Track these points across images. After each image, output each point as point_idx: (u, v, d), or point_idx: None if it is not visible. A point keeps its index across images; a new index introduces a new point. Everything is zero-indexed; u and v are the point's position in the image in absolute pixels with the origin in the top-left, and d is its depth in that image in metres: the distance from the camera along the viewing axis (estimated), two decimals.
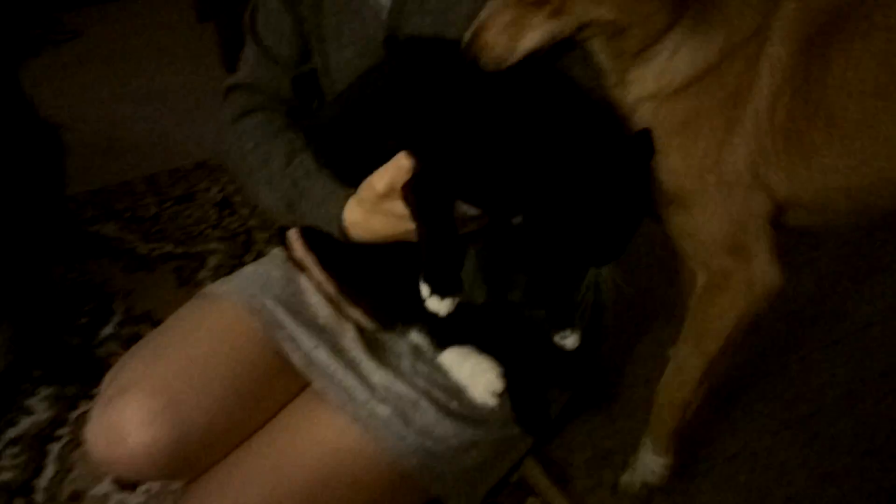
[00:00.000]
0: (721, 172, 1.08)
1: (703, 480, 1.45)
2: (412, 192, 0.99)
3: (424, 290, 0.97)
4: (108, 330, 1.86)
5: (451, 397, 1.21)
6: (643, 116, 1.08)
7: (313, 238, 1.23)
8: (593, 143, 0.98)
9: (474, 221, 1.05)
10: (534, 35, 1.00)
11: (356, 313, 1.25)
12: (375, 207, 1.05)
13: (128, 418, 1.09)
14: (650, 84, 1.06)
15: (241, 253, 2.10)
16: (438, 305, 0.96)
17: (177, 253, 2.12)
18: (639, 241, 1.05)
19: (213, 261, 2.08)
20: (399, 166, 0.99)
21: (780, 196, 1.12)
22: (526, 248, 1.09)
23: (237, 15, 2.98)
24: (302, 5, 1.24)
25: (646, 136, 1.03)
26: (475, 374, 1.15)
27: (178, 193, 2.37)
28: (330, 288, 1.25)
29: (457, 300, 0.97)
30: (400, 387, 1.20)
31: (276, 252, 1.35)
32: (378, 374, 1.20)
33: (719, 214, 1.10)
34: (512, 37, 1.00)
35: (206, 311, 1.22)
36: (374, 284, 1.20)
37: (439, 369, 1.21)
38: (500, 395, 1.15)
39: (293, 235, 1.26)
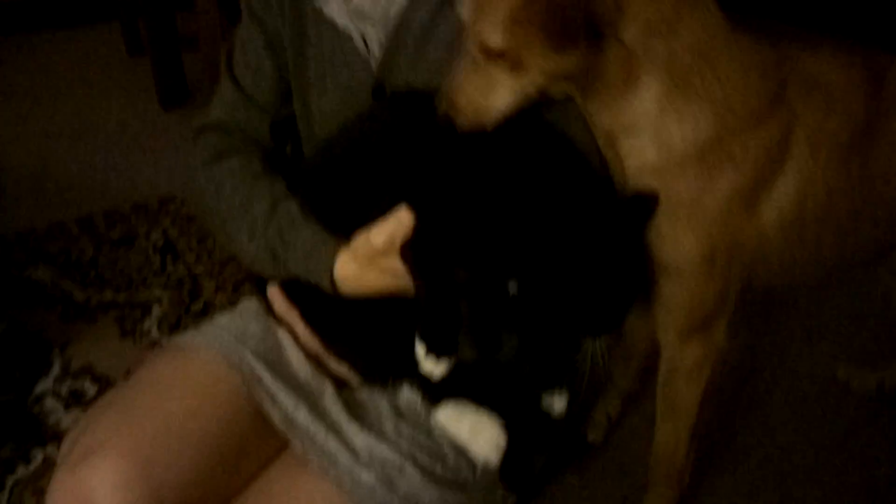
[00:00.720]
0: (715, 255, 1.08)
1: None
2: (412, 250, 0.95)
3: (420, 350, 0.94)
4: (45, 385, 1.75)
5: (435, 461, 1.16)
6: (644, 187, 1.07)
7: (295, 291, 1.17)
8: (590, 206, 0.97)
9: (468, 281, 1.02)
10: (503, 93, 0.99)
11: (342, 369, 1.19)
12: (371, 262, 1.01)
13: (98, 483, 0.99)
14: (650, 154, 1.04)
15: (187, 301, 2.01)
16: (434, 367, 0.94)
17: (118, 301, 2.00)
18: None
19: (157, 310, 1.98)
20: (400, 222, 0.95)
21: (760, 272, 1.14)
22: (520, 311, 1.06)
23: (171, 49, 2.95)
24: (284, 49, 1.20)
25: (643, 199, 1.03)
26: (476, 431, 1.10)
27: (117, 236, 2.26)
28: (313, 344, 1.18)
29: (452, 361, 0.94)
30: (384, 451, 1.14)
31: (248, 303, 1.28)
32: (360, 437, 1.14)
33: (702, 292, 1.11)
34: (483, 97, 0.99)
35: (181, 365, 1.14)
36: (361, 339, 1.15)
37: (423, 430, 1.16)
38: (503, 451, 1.10)
39: (274, 289, 1.20)
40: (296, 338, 1.20)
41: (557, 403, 1.11)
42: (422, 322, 0.95)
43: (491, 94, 0.99)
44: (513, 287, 1.00)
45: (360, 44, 1.16)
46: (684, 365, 1.21)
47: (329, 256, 1.05)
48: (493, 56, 0.97)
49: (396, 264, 0.97)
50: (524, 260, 0.96)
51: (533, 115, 1.06)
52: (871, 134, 1.09)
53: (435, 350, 0.93)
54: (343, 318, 1.14)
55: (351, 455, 1.11)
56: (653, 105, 1.00)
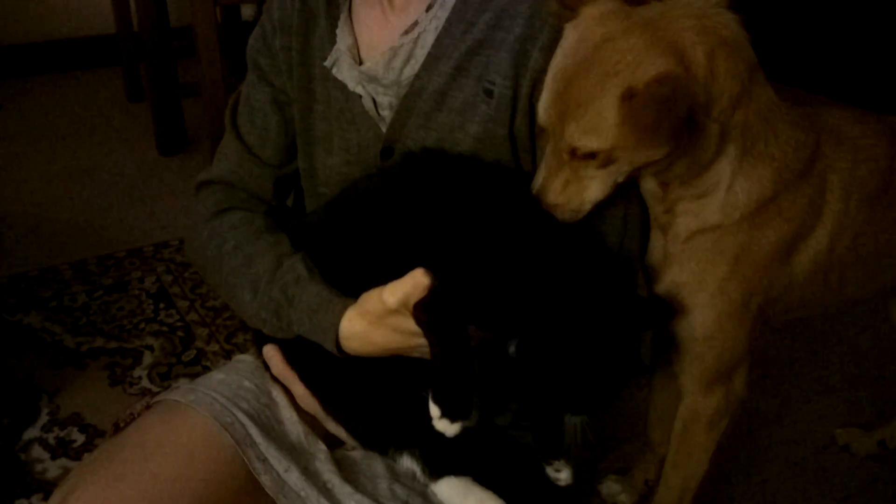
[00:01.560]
0: (750, 302, 1.11)
1: None
2: (425, 311, 0.94)
3: (435, 411, 0.92)
4: (32, 432, 1.72)
5: None
6: (698, 247, 1.10)
7: (293, 352, 1.14)
8: (604, 291, 0.99)
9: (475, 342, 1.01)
10: (594, 188, 1.03)
11: (341, 432, 1.17)
12: (381, 321, 1.00)
13: None
14: (714, 216, 1.08)
15: (179, 350, 1.98)
16: (448, 428, 0.92)
17: (109, 348, 1.98)
18: None
19: (148, 358, 1.95)
20: (416, 283, 0.94)
21: (778, 309, 1.18)
22: (517, 374, 1.05)
23: (171, 96, 2.96)
24: (291, 108, 1.20)
25: (661, 305, 1.08)
26: None
27: (109, 282, 2.24)
28: (312, 406, 1.16)
29: (467, 424, 0.92)
30: None
31: (243, 358, 1.26)
32: (353, 500, 1.11)
33: (733, 339, 1.14)
34: (576, 193, 1.04)
35: (171, 424, 1.11)
36: (361, 405, 1.13)
37: (418, 493, 1.13)
38: None
39: (271, 350, 1.17)
40: (291, 397, 1.18)
41: (564, 472, 1.09)
42: (436, 383, 0.94)
43: (582, 191, 1.03)
44: (512, 348, 0.99)
45: (369, 105, 1.16)
46: (705, 413, 1.22)
47: (336, 314, 1.03)
48: (584, 156, 1.00)
49: (407, 324, 0.96)
50: (528, 323, 0.95)
51: None
52: (893, 180, 1.17)
53: (449, 413, 0.92)
54: (343, 382, 1.12)
55: None
56: (727, 171, 1.05)
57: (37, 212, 2.59)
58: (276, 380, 1.18)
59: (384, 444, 1.14)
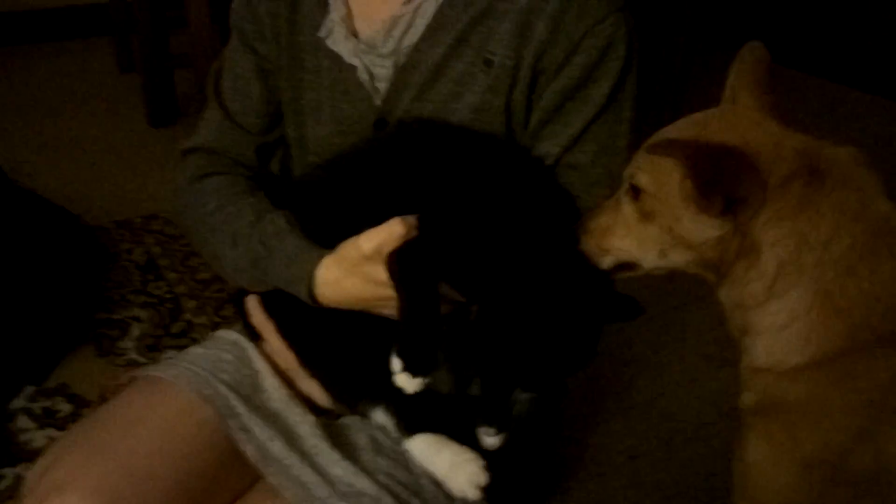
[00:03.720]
0: (814, 466, 0.95)
1: None
2: (398, 261, 0.94)
3: (396, 364, 0.93)
4: (18, 402, 1.72)
5: (412, 494, 1.13)
6: (753, 392, 0.99)
7: (273, 305, 1.15)
8: (577, 277, 0.99)
9: (447, 303, 1.01)
10: (630, 237, 0.98)
11: (313, 388, 1.17)
12: (354, 268, 1.00)
13: None
14: (762, 357, 0.96)
15: (167, 322, 1.98)
16: (408, 383, 0.93)
17: (96, 319, 1.97)
18: None
19: (136, 330, 1.95)
20: (391, 231, 0.94)
21: None
22: (474, 341, 1.05)
23: (162, 67, 2.94)
24: (276, 75, 1.19)
25: (632, 302, 1.03)
26: (455, 465, 1.07)
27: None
28: (287, 359, 1.16)
29: (427, 380, 0.93)
30: (362, 481, 1.11)
31: (222, 334, 1.26)
32: (339, 467, 1.11)
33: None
34: (610, 232, 1.00)
35: (152, 398, 1.11)
36: (337, 357, 1.13)
37: (401, 464, 1.14)
38: (482, 489, 1.08)
39: (252, 300, 1.18)
40: (273, 363, 1.19)
41: (492, 439, 1.06)
42: (400, 337, 0.94)
43: (616, 235, 1.00)
44: (473, 312, 0.99)
45: (364, 76, 1.15)
46: None
47: (310, 262, 1.03)
48: (633, 196, 0.97)
49: (380, 273, 0.96)
50: (494, 292, 0.95)
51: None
52: None
53: (410, 367, 0.92)
54: (319, 335, 1.12)
55: (328, 485, 1.09)
56: (784, 315, 0.92)
57: (25, 182, 2.56)
58: (256, 343, 1.19)
59: (357, 396, 1.14)
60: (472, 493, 1.08)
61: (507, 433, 1.06)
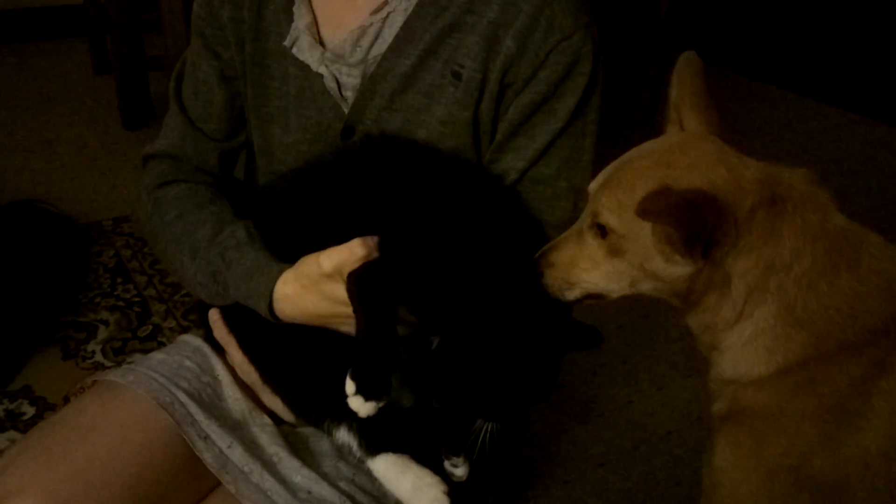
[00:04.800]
0: (776, 477, 0.97)
1: None
2: (357, 283, 0.94)
3: (350, 387, 0.92)
4: None
5: (374, 501, 1.13)
6: (722, 401, 1.01)
7: (235, 320, 1.15)
8: (538, 308, 0.99)
9: (405, 327, 1.01)
10: (597, 273, 0.98)
11: (276, 403, 1.16)
12: (313, 285, 0.99)
13: None
14: (728, 370, 0.99)
15: (135, 326, 1.97)
16: (361, 406, 0.92)
17: (62, 321, 1.95)
18: None
19: (103, 333, 1.94)
20: (352, 252, 0.93)
21: None
22: (435, 369, 1.05)
23: (136, 69, 2.92)
24: (240, 82, 1.18)
25: (592, 331, 1.02)
26: (418, 489, 1.07)
27: None
28: (249, 374, 1.16)
29: (380, 405, 0.92)
30: (323, 489, 1.11)
31: (185, 339, 1.25)
32: (300, 474, 1.11)
33: None
34: (575, 266, 0.99)
35: (108, 404, 1.10)
36: (299, 375, 1.12)
37: (363, 472, 1.13)
38: None
39: (214, 315, 1.17)
40: (234, 373, 1.18)
41: (460, 469, 1.08)
42: (355, 360, 0.93)
43: (583, 269, 0.98)
44: (434, 343, 0.99)
45: (332, 85, 1.15)
46: None
47: (270, 277, 1.03)
48: (599, 233, 0.96)
49: (339, 291, 0.96)
50: (456, 320, 0.95)
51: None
52: None
53: (363, 391, 0.92)
54: (281, 352, 1.11)
55: (288, 492, 1.08)
56: (749, 331, 0.96)
57: None
58: (219, 351, 1.18)
59: (320, 415, 1.13)
60: None
61: (470, 462, 1.07)
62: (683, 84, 1.02)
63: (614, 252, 0.96)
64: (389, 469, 1.08)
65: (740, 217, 0.91)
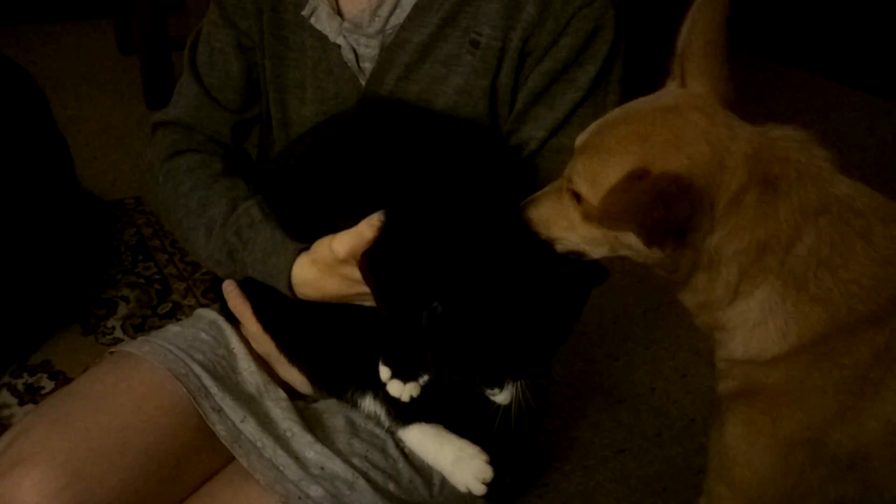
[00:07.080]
0: (791, 451, 0.95)
1: None
2: (370, 267, 0.93)
3: (384, 373, 0.92)
4: (1, 378, 1.71)
5: (388, 479, 1.12)
6: (732, 379, 0.97)
7: (252, 289, 1.13)
8: (535, 257, 0.96)
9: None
10: (574, 234, 0.94)
11: (293, 375, 1.15)
12: (332, 270, 0.99)
13: (25, 493, 0.96)
14: (738, 350, 0.94)
15: (155, 303, 1.97)
16: (401, 390, 0.92)
17: (84, 297, 1.96)
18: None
19: (123, 309, 1.94)
20: (361, 235, 0.93)
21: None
22: (437, 334, 1.01)
23: (160, 49, 2.92)
24: (257, 53, 1.17)
25: (600, 269, 0.99)
26: (460, 460, 1.06)
27: None
28: (265, 344, 1.15)
29: (421, 383, 0.91)
30: (336, 465, 1.10)
31: (201, 312, 1.25)
32: (313, 450, 1.10)
33: (767, 490, 0.98)
34: (555, 224, 0.96)
35: (122, 374, 1.10)
36: (321, 345, 1.11)
37: (377, 447, 1.12)
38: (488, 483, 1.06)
39: (229, 286, 1.16)
40: (249, 347, 1.17)
41: (501, 395, 1.03)
42: (385, 342, 0.92)
43: (561, 228, 0.95)
44: (438, 309, 0.96)
45: (349, 56, 1.13)
46: None
47: (288, 258, 1.02)
48: (574, 196, 0.92)
49: (358, 273, 0.95)
50: (454, 286, 0.93)
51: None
52: None
53: (400, 374, 0.91)
54: (301, 323, 1.10)
55: (300, 468, 1.07)
56: (756, 311, 0.91)
57: None
58: (234, 325, 1.17)
59: (344, 385, 1.12)
60: (478, 489, 1.07)
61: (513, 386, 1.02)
62: (695, 32, 0.93)
63: (589, 218, 0.92)
64: (427, 441, 1.08)
65: (724, 199, 0.86)
